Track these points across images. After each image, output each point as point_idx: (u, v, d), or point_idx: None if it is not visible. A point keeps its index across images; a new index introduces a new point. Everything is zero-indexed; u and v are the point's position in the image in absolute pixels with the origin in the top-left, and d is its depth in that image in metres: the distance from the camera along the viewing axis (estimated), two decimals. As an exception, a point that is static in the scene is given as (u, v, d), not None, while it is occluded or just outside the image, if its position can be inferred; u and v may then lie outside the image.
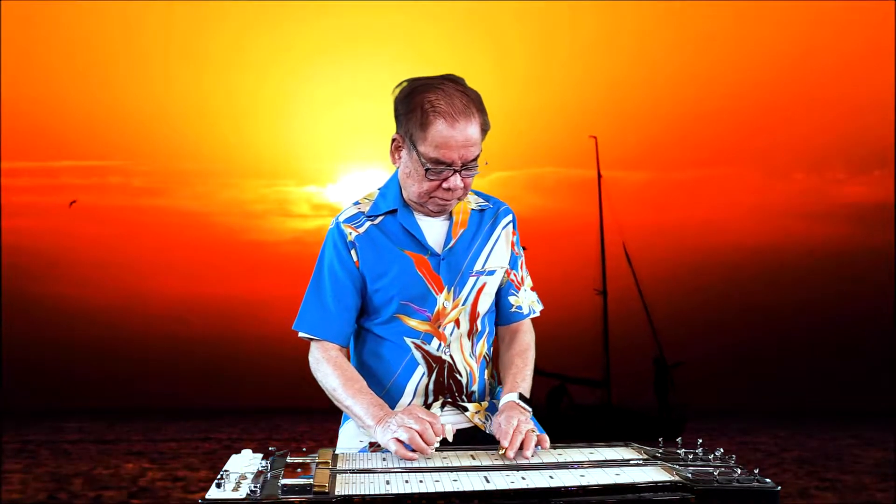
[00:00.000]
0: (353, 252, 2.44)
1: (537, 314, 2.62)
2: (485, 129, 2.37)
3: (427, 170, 2.35)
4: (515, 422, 2.26)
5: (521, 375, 2.48)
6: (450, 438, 2.23)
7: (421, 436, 2.17)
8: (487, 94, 2.40)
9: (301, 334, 2.47)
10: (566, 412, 33.69)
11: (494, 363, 2.58)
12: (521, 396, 2.40)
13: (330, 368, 2.41)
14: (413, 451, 2.17)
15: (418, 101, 2.34)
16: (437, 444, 2.19)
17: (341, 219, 2.48)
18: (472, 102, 2.35)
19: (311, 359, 2.46)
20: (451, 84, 2.35)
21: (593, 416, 33.13)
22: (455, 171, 2.35)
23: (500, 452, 2.20)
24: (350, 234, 2.45)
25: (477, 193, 2.56)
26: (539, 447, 2.25)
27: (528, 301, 2.59)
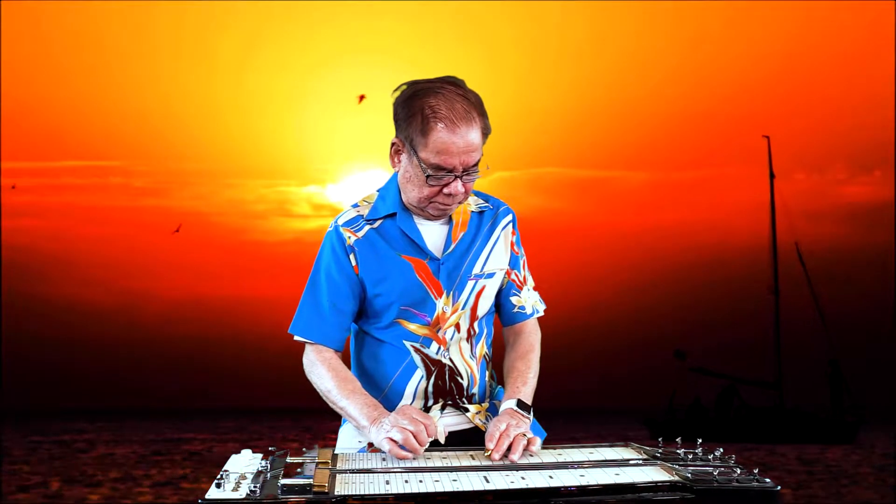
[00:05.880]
0: (351, 256, 2.43)
1: (541, 314, 2.60)
2: (486, 133, 2.34)
3: (428, 175, 2.33)
4: (504, 425, 2.26)
5: (521, 380, 2.46)
6: (441, 440, 2.23)
7: (415, 437, 2.18)
8: (483, 95, 2.39)
9: (296, 338, 2.47)
10: (737, 414, 33.28)
11: (495, 363, 2.57)
12: (520, 403, 2.38)
13: (324, 370, 2.41)
14: (407, 450, 2.18)
15: (419, 106, 2.31)
16: (428, 445, 2.20)
17: (340, 222, 2.46)
18: (473, 107, 2.32)
19: (305, 361, 2.46)
20: (451, 88, 2.32)
21: (765, 418, 32.70)
22: (456, 177, 2.33)
23: (486, 454, 2.21)
24: (349, 238, 2.44)
25: (477, 194, 2.54)
26: (529, 451, 2.24)
27: (531, 301, 2.58)
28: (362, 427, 2.31)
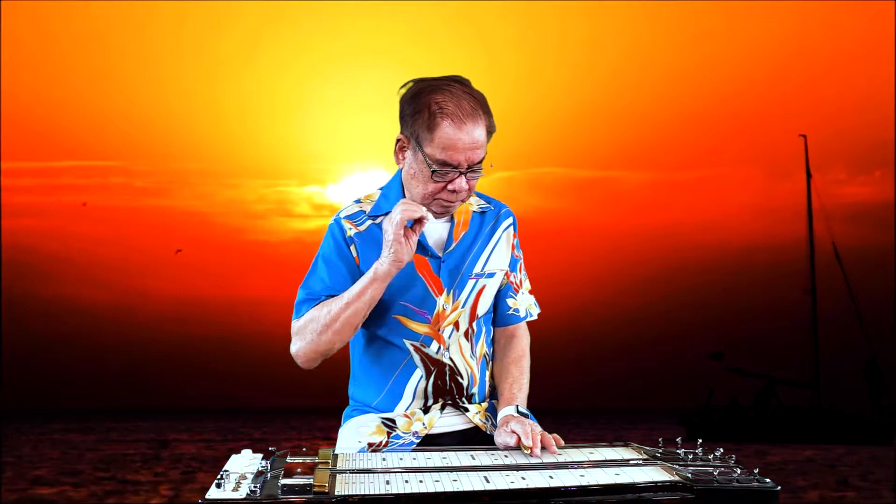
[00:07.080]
0: (352, 248, 2.43)
1: (534, 317, 2.61)
2: (490, 131, 2.36)
3: (433, 171, 2.34)
4: (528, 427, 2.27)
5: (517, 386, 2.46)
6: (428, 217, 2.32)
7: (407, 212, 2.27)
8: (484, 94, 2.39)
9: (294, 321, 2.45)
10: (774, 413, 33.20)
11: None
12: (518, 410, 2.39)
13: (312, 313, 2.38)
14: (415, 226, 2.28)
15: (425, 103, 2.32)
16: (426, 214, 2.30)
17: (342, 215, 2.47)
18: (479, 105, 2.34)
19: (293, 342, 2.41)
20: (458, 86, 2.34)
21: (802, 418, 32.60)
22: (461, 174, 2.34)
23: (526, 452, 2.22)
24: (350, 230, 2.44)
25: (478, 195, 2.55)
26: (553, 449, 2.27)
27: (525, 304, 2.59)
28: (373, 275, 2.32)
